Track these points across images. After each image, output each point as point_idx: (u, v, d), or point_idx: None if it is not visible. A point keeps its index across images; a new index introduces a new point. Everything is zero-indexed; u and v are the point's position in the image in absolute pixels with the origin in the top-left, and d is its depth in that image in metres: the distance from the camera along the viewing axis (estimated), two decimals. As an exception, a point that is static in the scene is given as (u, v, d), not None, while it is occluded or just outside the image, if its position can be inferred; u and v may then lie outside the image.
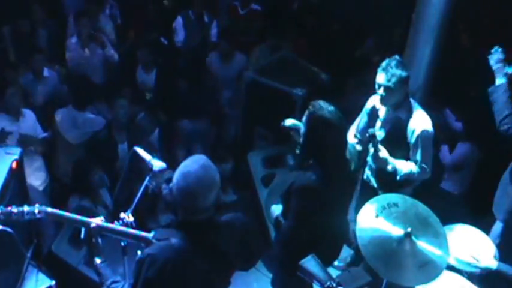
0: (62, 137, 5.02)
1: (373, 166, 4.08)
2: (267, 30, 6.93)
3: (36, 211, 2.58)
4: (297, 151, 3.43)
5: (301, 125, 3.41)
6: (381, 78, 3.74)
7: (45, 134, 4.90)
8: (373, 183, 4.18)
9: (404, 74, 3.71)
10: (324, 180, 3.14)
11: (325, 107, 3.14)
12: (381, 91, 3.76)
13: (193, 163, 2.46)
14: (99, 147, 4.91)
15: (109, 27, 6.54)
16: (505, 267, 3.30)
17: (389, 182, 3.93)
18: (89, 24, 5.97)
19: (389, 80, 3.69)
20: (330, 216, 3.31)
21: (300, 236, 3.30)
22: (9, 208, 2.56)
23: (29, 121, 4.77)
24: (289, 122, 3.71)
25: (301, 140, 3.29)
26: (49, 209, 2.63)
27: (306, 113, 3.20)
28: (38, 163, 4.82)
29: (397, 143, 3.88)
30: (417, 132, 3.76)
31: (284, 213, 3.44)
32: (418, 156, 3.82)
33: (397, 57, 3.78)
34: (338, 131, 3.18)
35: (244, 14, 7.10)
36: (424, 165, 3.83)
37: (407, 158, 3.87)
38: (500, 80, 3.85)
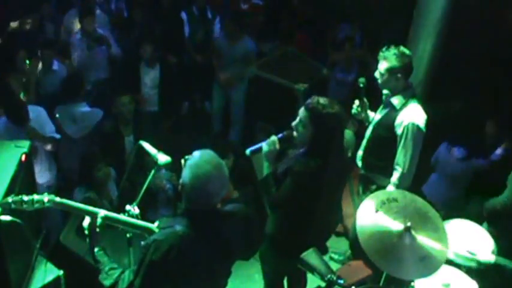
0: (63, 133, 4.95)
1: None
2: (268, 25, 6.96)
3: (45, 199, 2.65)
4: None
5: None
6: (379, 62, 3.85)
7: (57, 136, 4.76)
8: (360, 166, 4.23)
9: (396, 64, 3.74)
10: (322, 167, 3.21)
11: (327, 103, 3.20)
12: (376, 73, 3.87)
13: (205, 163, 2.51)
14: (105, 140, 4.89)
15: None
16: (503, 261, 3.34)
17: (373, 165, 4.06)
18: (94, 22, 5.90)
19: (380, 65, 3.80)
20: (323, 203, 3.36)
21: (293, 219, 3.37)
22: (20, 196, 2.64)
23: (35, 122, 4.56)
24: None
25: (297, 132, 3.31)
26: (57, 198, 2.70)
27: (308, 113, 3.22)
28: (43, 164, 4.67)
29: (386, 129, 3.93)
30: (405, 123, 3.77)
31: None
32: (399, 149, 3.83)
33: (400, 47, 3.78)
34: (341, 123, 3.30)
35: (246, 8, 7.13)
36: (397, 166, 3.84)
37: (392, 150, 3.89)
38: None
